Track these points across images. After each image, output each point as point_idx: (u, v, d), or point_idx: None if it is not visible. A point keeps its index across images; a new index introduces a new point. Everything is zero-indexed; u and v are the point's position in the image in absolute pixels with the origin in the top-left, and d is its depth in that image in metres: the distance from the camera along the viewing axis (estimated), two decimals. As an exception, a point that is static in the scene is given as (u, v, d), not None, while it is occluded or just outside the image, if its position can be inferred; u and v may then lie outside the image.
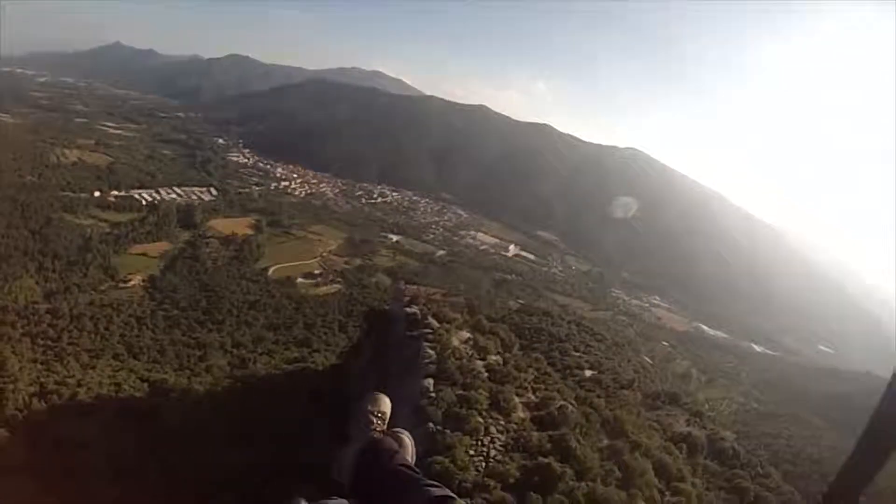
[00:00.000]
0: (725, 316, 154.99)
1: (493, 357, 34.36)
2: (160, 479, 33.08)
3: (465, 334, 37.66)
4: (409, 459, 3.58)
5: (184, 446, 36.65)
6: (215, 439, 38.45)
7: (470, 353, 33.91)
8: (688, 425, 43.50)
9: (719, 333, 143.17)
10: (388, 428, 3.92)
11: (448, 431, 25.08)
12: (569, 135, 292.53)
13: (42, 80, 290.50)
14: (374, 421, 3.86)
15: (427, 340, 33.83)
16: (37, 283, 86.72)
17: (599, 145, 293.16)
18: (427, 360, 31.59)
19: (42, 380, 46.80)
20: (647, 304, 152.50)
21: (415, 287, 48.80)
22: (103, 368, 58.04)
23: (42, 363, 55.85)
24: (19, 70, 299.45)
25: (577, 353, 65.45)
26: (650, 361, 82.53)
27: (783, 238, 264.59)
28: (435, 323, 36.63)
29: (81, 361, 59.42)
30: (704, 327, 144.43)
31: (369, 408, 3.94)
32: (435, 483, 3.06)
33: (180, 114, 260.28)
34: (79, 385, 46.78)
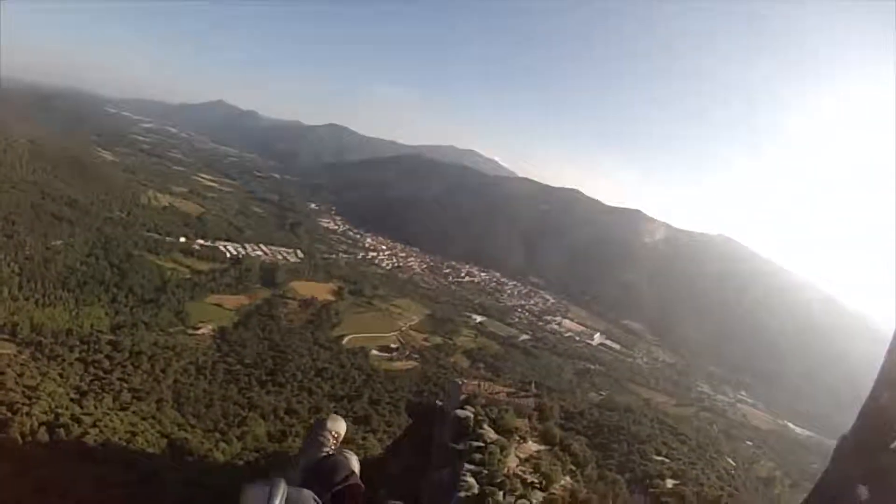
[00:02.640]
0: (814, 413, 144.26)
1: (559, 485, 27.59)
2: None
3: (531, 446, 32.19)
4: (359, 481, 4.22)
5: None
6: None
7: (528, 480, 26.80)
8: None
9: (806, 432, 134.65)
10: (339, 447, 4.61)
11: None
12: (659, 221, 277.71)
13: (146, 125, 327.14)
14: (330, 440, 4.51)
15: (473, 462, 26.98)
16: (106, 314, 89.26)
17: (689, 232, 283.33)
18: (464, 494, 24.34)
19: (59, 410, 47.14)
20: (732, 400, 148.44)
21: (475, 383, 42.46)
22: (133, 412, 57.30)
23: (78, 392, 57.00)
24: (125, 113, 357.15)
25: (659, 458, 64.59)
26: (733, 464, 79.46)
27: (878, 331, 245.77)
28: (490, 433, 30.47)
29: (120, 400, 59.72)
30: (791, 425, 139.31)
31: (329, 426, 4.63)
32: None
33: (276, 175, 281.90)
34: (94, 425, 47.09)
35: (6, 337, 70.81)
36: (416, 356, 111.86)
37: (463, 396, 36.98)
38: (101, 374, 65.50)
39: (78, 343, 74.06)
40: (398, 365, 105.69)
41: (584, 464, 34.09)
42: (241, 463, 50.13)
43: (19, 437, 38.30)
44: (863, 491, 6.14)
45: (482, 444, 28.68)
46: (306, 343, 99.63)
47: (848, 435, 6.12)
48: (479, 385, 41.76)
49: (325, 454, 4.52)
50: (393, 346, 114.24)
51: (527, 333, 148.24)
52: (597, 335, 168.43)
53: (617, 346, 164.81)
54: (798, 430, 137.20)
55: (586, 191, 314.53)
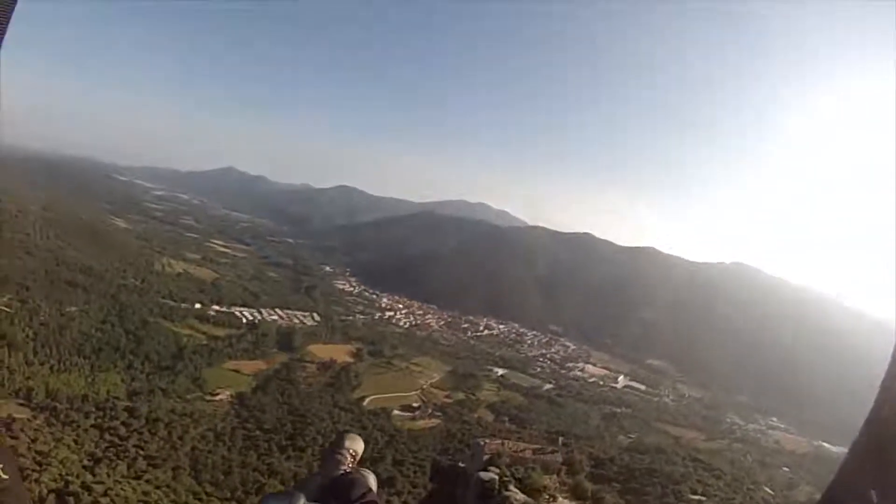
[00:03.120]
0: (848, 427, 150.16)
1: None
2: None
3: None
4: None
5: None
6: None
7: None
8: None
9: (843, 450, 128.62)
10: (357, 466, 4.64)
11: None
12: (673, 256, 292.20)
13: (158, 193, 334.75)
14: (348, 458, 4.55)
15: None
16: (122, 380, 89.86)
17: (705, 263, 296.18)
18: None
19: (69, 478, 45.04)
20: (763, 427, 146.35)
21: (499, 442, 39.39)
22: (147, 481, 54.54)
23: (93, 458, 54.86)
24: (138, 181, 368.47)
25: (696, 497, 63.59)
26: (771, 493, 79.07)
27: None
28: (517, 495, 27.83)
29: (135, 468, 57.34)
30: (826, 445, 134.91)
31: (346, 444, 4.65)
32: None
33: (289, 239, 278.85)
34: (105, 494, 45.01)
35: (21, 402, 69.51)
36: (438, 414, 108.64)
37: (486, 456, 34.08)
38: (116, 440, 63.71)
39: (94, 409, 72.66)
40: (421, 424, 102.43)
41: (618, 515, 31.57)
42: (257, 534, 46.38)
43: (28, 506, 35.74)
44: (873, 495, 5.27)
45: (510, 507, 27.06)
46: (326, 406, 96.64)
47: (860, 434, 5.70)
48: (502, 444, 38.16)
49: (342, 472, 4.51)
50: (415, 404, 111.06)
51: (550, 382, 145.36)
52: (621, 378, 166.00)
53: (642, 387, 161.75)
54: (834, 448, 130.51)
55: (598, 233, 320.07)
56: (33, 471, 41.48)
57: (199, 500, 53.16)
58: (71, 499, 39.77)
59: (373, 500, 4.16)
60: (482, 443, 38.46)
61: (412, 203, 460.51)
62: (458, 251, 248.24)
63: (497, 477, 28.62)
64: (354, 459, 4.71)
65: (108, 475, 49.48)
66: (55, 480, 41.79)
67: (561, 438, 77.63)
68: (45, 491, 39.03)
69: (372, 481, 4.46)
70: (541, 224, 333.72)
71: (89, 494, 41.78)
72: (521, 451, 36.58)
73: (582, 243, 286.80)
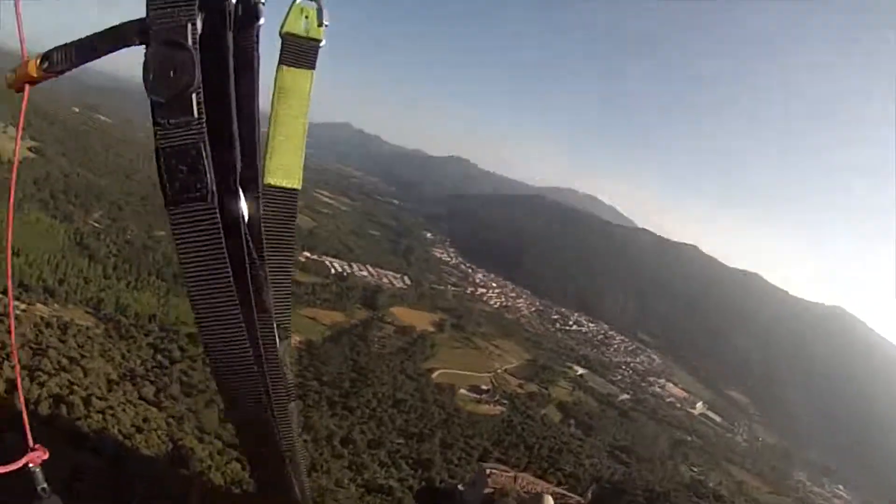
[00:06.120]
0: None
1: None
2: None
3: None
4: None
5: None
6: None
7: None
8: None
9: None
10: None
11: None
12: (777, 287, 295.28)
13: None
14: None
15: None
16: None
17: (804, 300, 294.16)
18: None
19: (75, 386, 40.34)
20: (829, 494, 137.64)
21: (511, 474, 32.08)
22: (162, 408, 49.33)
23: (131, 375, 51.59)
24: None
25: None
26: None
27: None
28: None
29: (167, 392, 53.41)
30: None
31: None
32: None
33: (395, 201, 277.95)
34: (101, 412, 39.29)
35: (89, 310, 71.26)
36: (505, 401, 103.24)
37: (489, 490, 28.56)
38: (165, 363, 63.04)
39: (156, 329, 73.06)
40: (484, 409, 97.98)
41: None
42: (235, 491, 41.04)
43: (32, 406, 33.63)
44: None
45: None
46: (392, 371, 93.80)
47: None
48: (514, 479, 31.38)
49: None
50: (484, 387, 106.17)
51: (627, 393, 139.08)
52: (699, 404, 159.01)
53: (718, 419, 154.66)
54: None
55: (704, 247, 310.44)
56: (47, 373, 39.41)
57: (200, 440, 48.30)
58: (63, 407, 36.78)
59: None
60: (489, 471, 32.74)
61: (522, 184, 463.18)
62: (563, 241, 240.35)
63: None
64: None
65: (124, 393, 46.98)
66: (60, 387, 39.04)
67: (593, 486, 71.32)
68: (45, 395, 36.47)
69: None
70: (649, 228, 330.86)
71: (85, 408, 38.60)
72: (535, 491, 29.79)
73: (687, 255, 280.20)
